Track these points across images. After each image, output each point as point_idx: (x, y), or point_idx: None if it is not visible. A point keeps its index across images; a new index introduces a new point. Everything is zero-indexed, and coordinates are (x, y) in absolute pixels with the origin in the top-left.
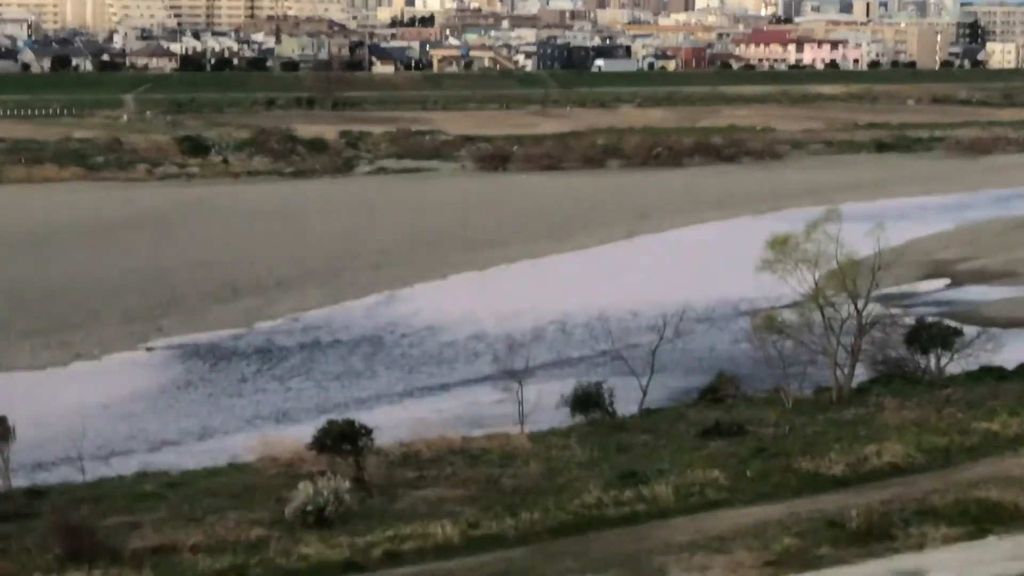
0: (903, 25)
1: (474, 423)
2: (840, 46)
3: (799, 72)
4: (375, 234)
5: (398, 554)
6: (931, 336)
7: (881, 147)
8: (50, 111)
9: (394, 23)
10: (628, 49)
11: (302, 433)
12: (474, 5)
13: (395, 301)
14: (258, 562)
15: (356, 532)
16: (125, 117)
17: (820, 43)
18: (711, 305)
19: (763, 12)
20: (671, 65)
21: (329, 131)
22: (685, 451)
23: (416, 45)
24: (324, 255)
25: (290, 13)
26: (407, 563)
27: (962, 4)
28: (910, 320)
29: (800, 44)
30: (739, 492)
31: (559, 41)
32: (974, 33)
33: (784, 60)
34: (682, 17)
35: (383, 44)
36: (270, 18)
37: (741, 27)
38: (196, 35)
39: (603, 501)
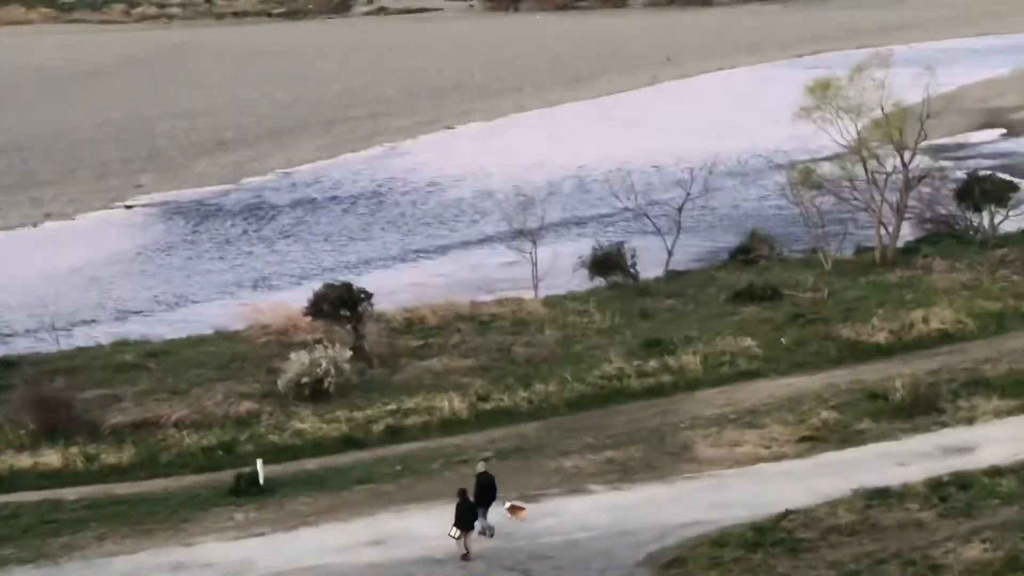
0: None
1: (484, 287)
2: None
3: None
4: (374, 81)
5: (401, 429)
6: (984, 191)
7: None
8: None
9: None
10: None
11: (295, 299)
12: None
13: (396, 155)
14: (248, 438)
15: (355, 406)
16: None
17: None
18: (743, 157)
19: None
20: None
21: None
22: (715, 317)
23: None
24: (318, 104)
25: None
26: (411, 439)
27: None
28: (961, 174)
29: None
30: (773, 361)
31: None
32: None
33: None
34: None
35: None
36: None
37: None
38: None
39: (625, 372)
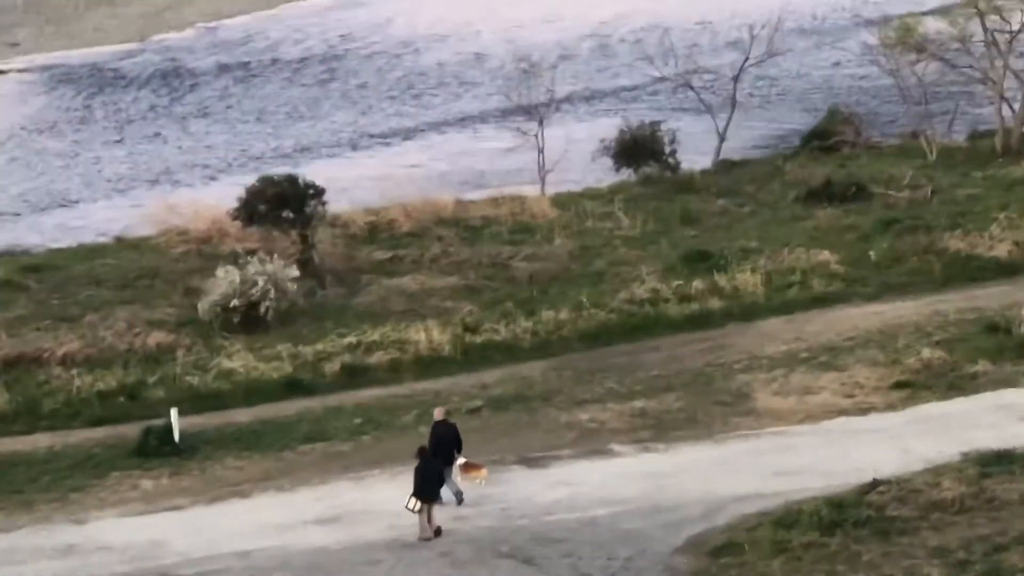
0: None
1: (474, 181)
2: None
3: None
4: None
5: (362, 369)
6: None
7: None
8: None
9: None
10: None
11: (221, 197)
12: None
13: (356, 4)
14: (159, 381)
15: (302, 338)
16: None
17: None
18: (819, 11)
19: None
20: None
21: None
22: (781, 222)
23: None
24: None
25: None
26: (375, 382)
27: None
28: None
29: None
30: (858, 283)
31: None
32: None
33: None
34: None
35: None
36: None
37: None
38: None
39: (661, 294)
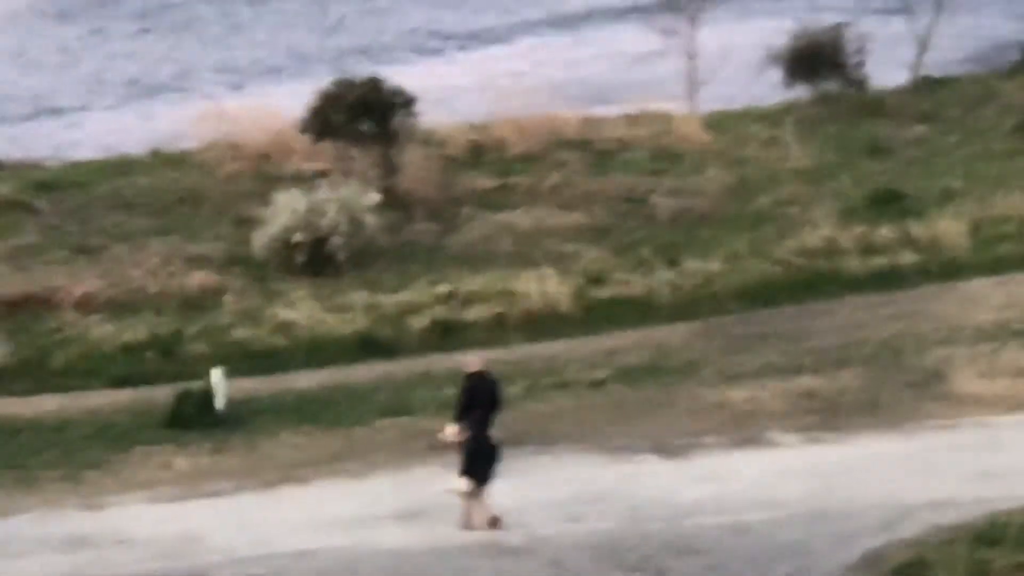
0: None
1: (601, 94)
2: None
3: None
4: None
5: (457, 327)
6: None
7: None
8: None
9: None
10: None
11: (284, 102)
12: None
13: None
14: (200, 333)
15: (382, 285)
16: None
17: None
18: None
19: None
20: None
21: None
22: (994, 158)
23: None
24: None
25: None
26: (473, 343)
27: None
28: None
29: None
30: None
31: None
32: None
33: None
34: None
35: None
36: None
37: None
38: None
39: (839, 244)
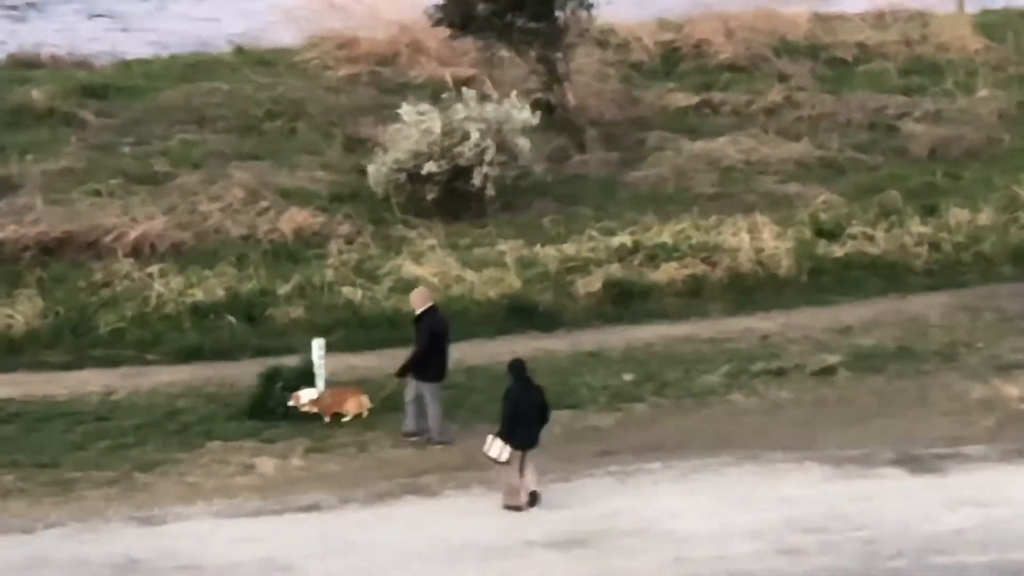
0: None
1: None
2: None
3: None
4: None
5: (639, 290)
6: None
7: None
8: None
9: None
10: None
11: None
12: None
13: None
14: (296, 290)
15: (539, 232)
16: None
17: None
18: None
19: None
20: None
21: None
22: None
23: None
24: None
25: None
26: (659, 314)
27: None
28: None
29: None
30: None
31: None
32: None
33: None
34: None
35: None
36: None
37: None
38: None
39: None
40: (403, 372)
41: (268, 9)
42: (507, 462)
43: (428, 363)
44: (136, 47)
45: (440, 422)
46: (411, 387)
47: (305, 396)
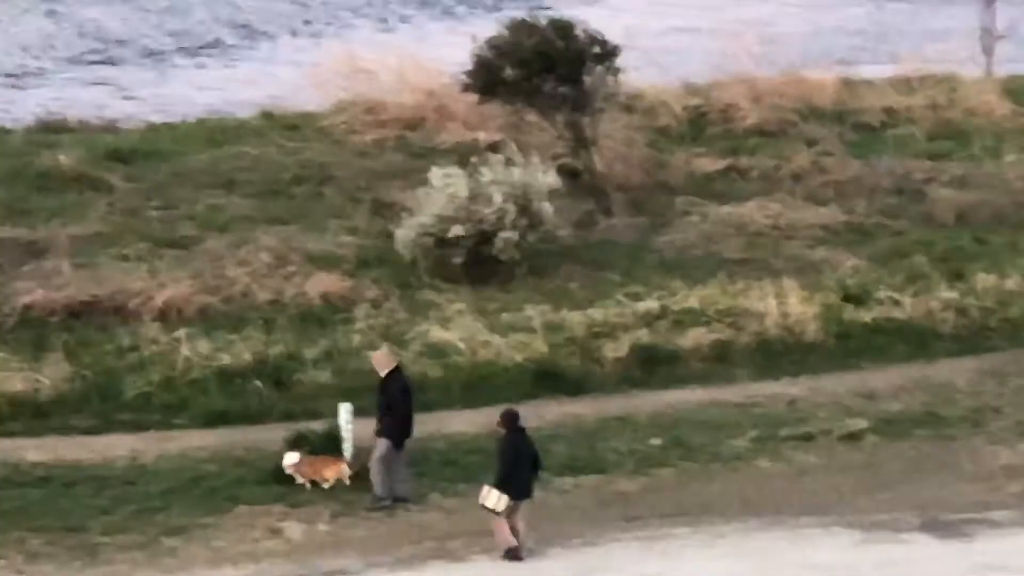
0: None
1: (866, 48)
2: None
3: None
4: None
5: (666, 355)
6: None
7: None
8: None
9: None
10: None
11: (441, 48)
12: None
13: None
14: (323, 355)
15: (566, 297)
16: None
17: None
18: None
19: None
20: None
21: None
22: None
23: None
24: None
25: None
26: (683, 378)
27: None
28: None
29: None
30: None
31: None
32: None
33: None
34: None
35: None
36: None
37: None
38: None
39: None
40: (392, 437)
41: (294, 73)
42: (502, 512)
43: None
44: (164, 112)
45: (382, 479)
46: (377, 447)
47: (287, 459)
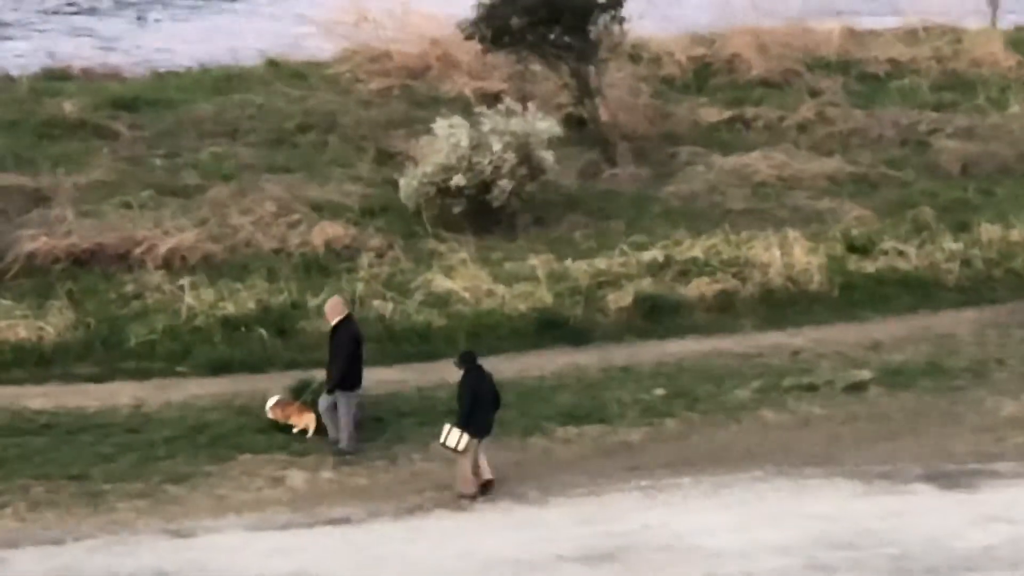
0: None
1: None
2: None
3: None
4: None
5: (669, 305)
6: None
7: None
8: None
9: None
10: None
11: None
12: None
13: None
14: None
15: (570, 246)
16: None
17: None
18: None
19: None
20: None
21: None
22: None
23: None
24: None
25: None
26: (689, 329)
27: None
28: None
29: None
30: None
31: None
32: None
33: None
34: None
35: None
36: None
37: None
38: None
39: None
40: (336, 386)
41: (301, 22)
42: (464, 451)
43: (346, 372)
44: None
45: (350, 431)
46: (324, 398)
47: (268, 402)
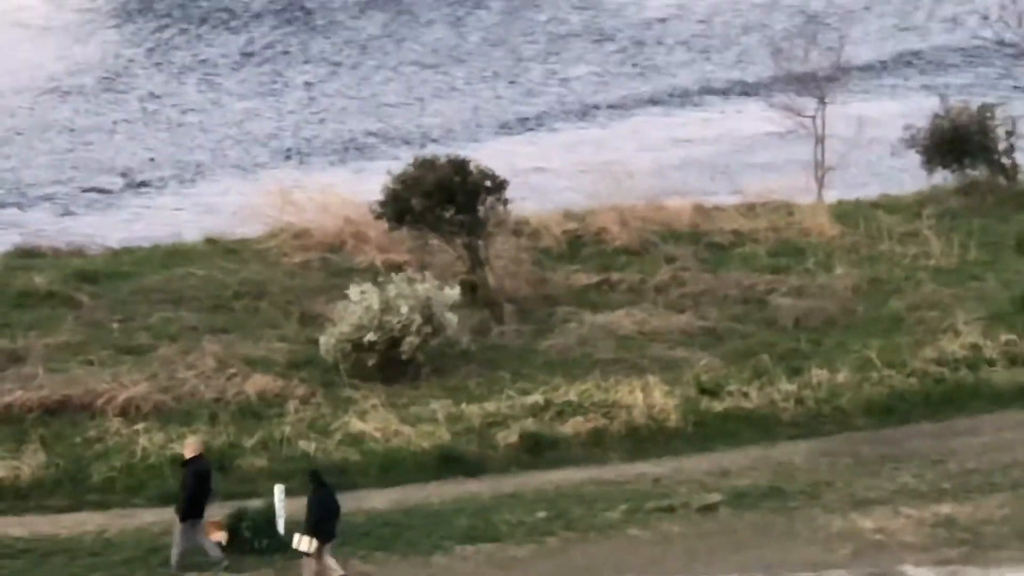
0: None
1: (716, 180)
2: None
3: None
4: None
5: (549, 441)
6: None
7: None
8: None
9: None
10: None
11: (358, 184)
12: None
13: None
14: (260, 444)
15: (465, 393)
16: None
17: None
18: None
19: None
20: None
21: None
22: None
23: None
24: None
25: None
26: (567, 460)
27: None
28: None
29: None
30: None
31: None
32: None
33: None
34: None
35: None
36: None
37: None
38: None
39: (984, 354)
40: (186, 514)
41: (232, 204)
42: (312, 553)
43: (188, 504)
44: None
45: (180, 556)
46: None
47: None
